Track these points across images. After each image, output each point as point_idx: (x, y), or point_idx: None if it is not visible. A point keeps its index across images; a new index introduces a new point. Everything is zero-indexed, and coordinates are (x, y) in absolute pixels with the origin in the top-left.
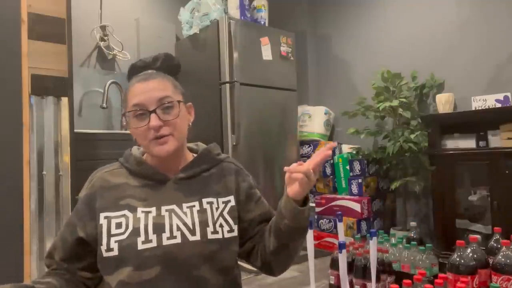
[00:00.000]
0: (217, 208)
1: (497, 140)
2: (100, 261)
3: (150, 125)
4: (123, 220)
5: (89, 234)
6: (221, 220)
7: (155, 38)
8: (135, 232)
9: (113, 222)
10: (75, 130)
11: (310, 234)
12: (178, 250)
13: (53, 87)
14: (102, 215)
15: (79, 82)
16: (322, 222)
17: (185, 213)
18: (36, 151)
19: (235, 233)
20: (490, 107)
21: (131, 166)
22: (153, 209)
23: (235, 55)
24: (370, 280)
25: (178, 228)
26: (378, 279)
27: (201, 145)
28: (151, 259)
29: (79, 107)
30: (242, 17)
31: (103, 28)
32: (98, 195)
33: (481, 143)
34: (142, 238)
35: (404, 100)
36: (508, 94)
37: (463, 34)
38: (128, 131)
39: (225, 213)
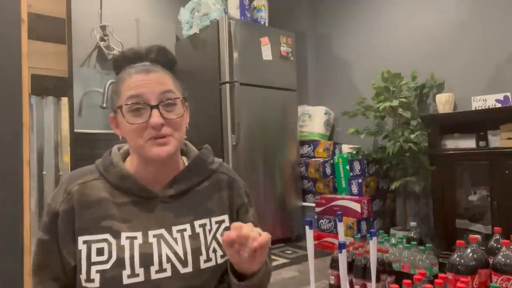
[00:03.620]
0: (210, 230)
1: (497, 140)
2: None
3: (151, 122)
4: (105, 246)
5: (67, 261)
6: (214, 244)
7: (155, 38)
8: (120, 263)
9: (94, 247)
10: (75, 130)
11: (310, 234)
12: (168, 284)
13: (53, 87)
14: (80, 238)
15: (79, 82)
16: (322, 222)
17: (175, 239)
18: (36, 151)
19: (227, 257)
20: (490, 107)
21: (112, 180)
22: (139, 235)
23: (235, 55)
24: (370, 280)
25: (168, 260)
26: (378, 279)
27: (191, 148)
28: None
29: (79, 107)
30: (242, 17)
31: (103, 28)
32: (77, 213)
33: (481, 143)
34: (127, 271)
35: (404, 100)
36: (508, 94)
37: (463, 34)
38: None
39: (218, 235)
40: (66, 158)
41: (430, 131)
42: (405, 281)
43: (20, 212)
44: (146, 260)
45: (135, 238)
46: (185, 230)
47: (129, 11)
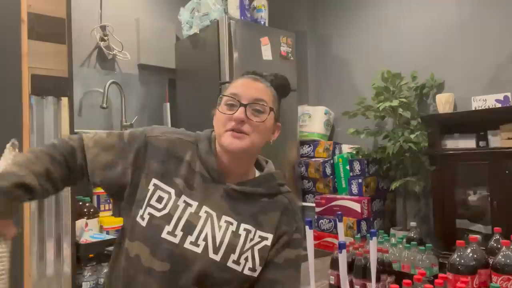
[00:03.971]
0: (251, 240)
1: (497, 140)
2: (130, 220)
3: (234, 115)
4: (166, 197)
5: (121, 175)
6: (249, 253)
7: (155, 38)
8: (168, 218)
9: (158, 193)
10: (75, 130)
11: (310, 234)
12: (193, 259)
13: (53, 87)
14: (154, 180)
15: (79, 82)
16: (322, 222)
17: (220, 227)
18: None
19: (255, 274)
20: (490, 107)
21: (201, 151)
22: (195, 204)
23: (235, 55)
24: (370, 280)
25: (205, 238)
26: (378, 279)
27: (270, 166)
28: (166, 253)
29: (79, 107)
30: (242, 17)
31: (103, 28)
32: (160, 157)
33: (481, 143)
34: (169, 227)
35: (404, 100)
36: (508, 94)
37: (463, 34)
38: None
39: (256, 248)
40: None
41: (430, 131)
42: (405, 281)
43: (20, 212)
44: (189, 228)
45: (190, 205)
46: (231, 224)
47: (129, 11)
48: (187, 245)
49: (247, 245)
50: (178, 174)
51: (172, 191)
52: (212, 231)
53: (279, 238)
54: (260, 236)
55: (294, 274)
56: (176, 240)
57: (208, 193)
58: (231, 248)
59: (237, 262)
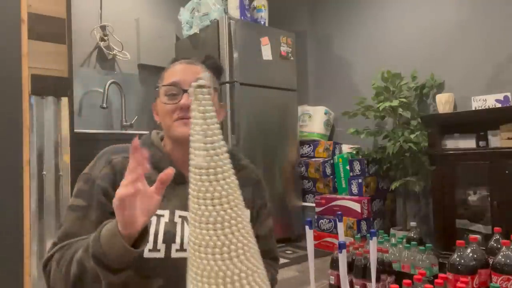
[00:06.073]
0: None
1: (497, 140)
2: None
3: (180, 103)
4: None
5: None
6: None
7: (155, 38)
8: None
9: None
10: (75, 130)
11: (310, 234)
12: (185, 265)
13: (53, 87)
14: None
15: (79, 82)
16: (322, 222)
17: None
18: (36, 151)
19: None
20: (490, 107)
21: (151, 159)
22: (167, 213)
23: (235, 55)
24: (370, 280)
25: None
26: (378, 279)
27: None
28: (156, 270)
29: (79, 107)
30: (242, 17)
31: (103, 28)
32: (118, 180)
33: (481, 143)
34: (149, 246)
35: (404, 100)
36: (508, 94)
37: (463, 34)
38: (129, 131)
39: None
40: (66, 158)
41: (430, 131)
42: (405, 281)
43: (20, 212)
44: (169, 238)
45: (162, 215)
46: None
47: (129, 11)
48: (174, 254)
49: None
50: None
51: None
52: None
53: (257, 212)
54: None
55: (274, 238)
56: (161, 255)
57: (175, 197)
58: None
59: None
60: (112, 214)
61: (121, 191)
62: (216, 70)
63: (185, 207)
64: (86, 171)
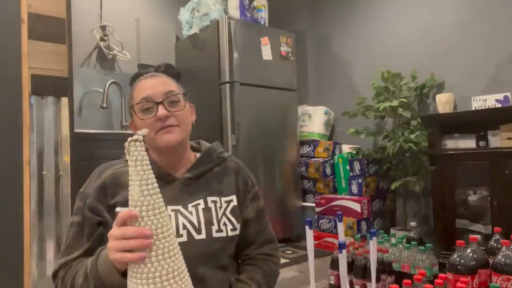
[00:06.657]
0: (220, 207)
1: (497, 140)
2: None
3: (158, 114)
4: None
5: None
6: (224, 218)
7: (155, 38)
8: None
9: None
10: (75, 130)
11: (310, 234)
12: (183, 249)
13: (53, 87)
14: (116, 210)
15: (79, 82)
16: (322, 222)
17: (190, 212)
18: (36, 151)
19: (238, 231)
20: (490, 107)
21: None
22: None
23: (235, 55)
24: (370, 280)
25: (184, 227)
26: (378, 279)
27: (204, 144)
28: None
29: (79, 107)
30: (242, 17)
31: (103, 28)
32: (110, 192)
33: (481, 143)
34: None
35: (404, 100)
36: (508, 94)
37: (463, 34)
38: (129, 131)
39: (227, 212)
40: (66, 158)
41: (430, 131)
42: (405, 281)
43: (20, 212)
44: None
45: None
46: (199, 204)
47: (129, 11)
48: None
49: (220, 213)
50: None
51: None
52: (186, 219)
53: (243, 196)
54: (225, 201)
55: (266, 219)
56: None
57: (167, 195)
58: (209, 222)
59: (219, 230)
60: (98, 225)
61: (112, 256)
62: (177, 76)
63: (175, 202)
64: (82, 189)
